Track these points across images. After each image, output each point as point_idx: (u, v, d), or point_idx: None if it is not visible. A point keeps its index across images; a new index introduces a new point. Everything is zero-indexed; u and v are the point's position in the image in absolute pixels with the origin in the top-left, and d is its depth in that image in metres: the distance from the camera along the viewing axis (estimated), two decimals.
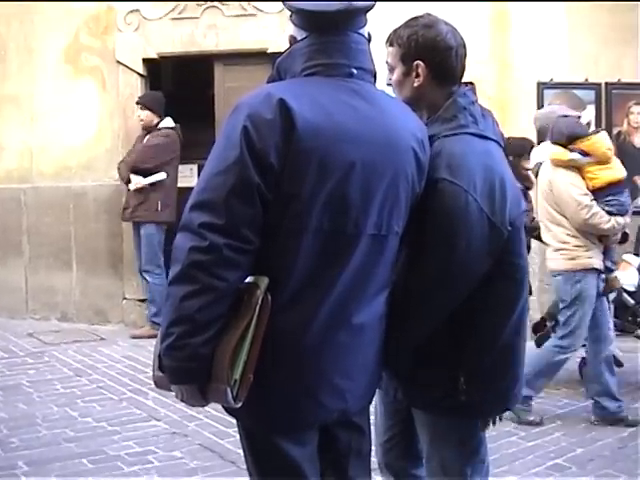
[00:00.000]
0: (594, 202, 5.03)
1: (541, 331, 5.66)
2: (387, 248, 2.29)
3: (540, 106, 7.29)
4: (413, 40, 2.53)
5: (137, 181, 7.46)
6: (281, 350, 2.18)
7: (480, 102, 2.67)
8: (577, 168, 5.10)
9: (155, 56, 8.00)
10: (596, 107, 7.33)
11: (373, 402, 2.60)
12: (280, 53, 2.39)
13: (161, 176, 7.53)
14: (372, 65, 2.34)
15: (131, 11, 7.88)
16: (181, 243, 2.09)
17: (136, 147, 7.63)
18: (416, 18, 2.60)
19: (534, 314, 7.23)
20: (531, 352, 5.15)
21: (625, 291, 6.04)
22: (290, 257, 2.15)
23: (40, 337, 7.56)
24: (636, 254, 6.52)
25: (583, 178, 5.10)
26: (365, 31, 2.33)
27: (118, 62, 7.97)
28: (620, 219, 5.12)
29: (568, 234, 5.13)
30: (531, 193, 5.67)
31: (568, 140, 5.10)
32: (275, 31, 7.34)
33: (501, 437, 4.83)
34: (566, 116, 5.42)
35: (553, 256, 5.28)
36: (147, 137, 7.60)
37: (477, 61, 6.87)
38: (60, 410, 5.39)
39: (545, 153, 5.30)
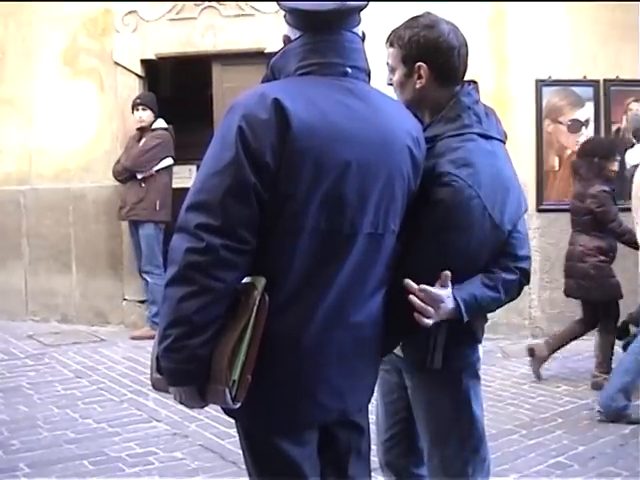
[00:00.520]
0: None
1: (627, 335, 5.69)
2: (384, 247, 2.29)
3: (539, 103, 7.30)
4: (414, 41, 2.52)
5: (142, 175, 7.50)
6: (279, 350, 2.18)
7: (482, 100, 2.67)
8: None
9: (153, 57, 7.99)
10: (595, 104, 7.33)
11: (373, 401, 2.60)
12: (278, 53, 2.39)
13: (168, 161, 7.60)
14: (366, 64, 2.33)
15: (129, 12, 7.86)
16: (177, 244, 2.09)
17: (132, 149, 7.61)
18: (416, 18, 2.57)
19: (534, 312, 7.28)
20: (628, 364, 5.17)
21: None
22: (287, 257, 2.14)
23: (40, 339, 7.56)
24: None
25: None
26: (359, 30, 2.32)
27: (116, 63, 7.95)
28: None
29: None
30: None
31: None
32: (273, 31, 7.31)
33: (502, 435, 4.84)
34: None
35: None
36: (143, 139, 7.60)
37: (475, 59, 6.84)
38: (61, 412, 5.39)
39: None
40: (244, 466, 2.42)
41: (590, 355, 6.75)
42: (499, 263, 2.49)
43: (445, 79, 2.56)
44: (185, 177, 8.02)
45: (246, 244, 2.09)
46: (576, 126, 7.33)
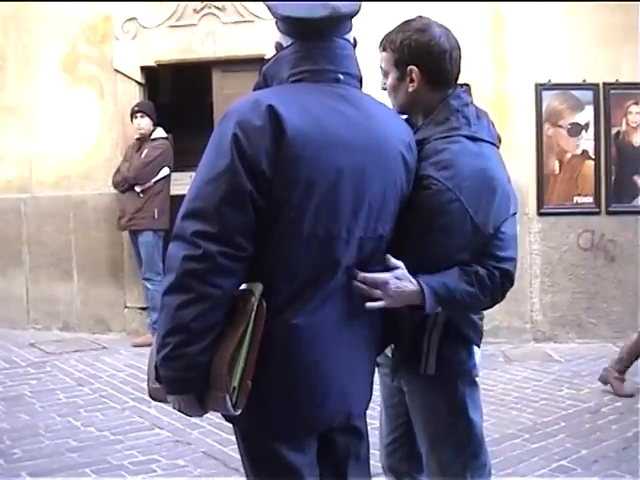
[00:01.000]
0: None
1: None
2: (374, 251, 2.31)
3: (538, 107, 7.30)
4: (406, 45, 2.53)
5: (142, 187, 7.49)
6: (278, 355, 2.18)
7: (477, 103, 2.66)
8: None
9: (153, 64, 7.99)
10: (594, 107, 7.33)
11: (375, 407, 2.60)
12: None
13: (166, 171, 7.60)
14: (358, 70, 2.35)
15: (128, 19, 7.87)
16: (174, 252, 2.09)
17: (132, 159, 7.61)
18: (409, 22, 2.59)
19: (536, 315, 7.28)
20: None
21: None
22: (284, 263, 2.16)
23: (42, 347, 7.55)
24: None
25: None
26: (350, 36, 2.34)
27: (116, 70, 7.96)
28: None
29: None
30: None
31: None
32: (273, 38, 7.32)
33: (505, 439, 4.83)
34: None
35: None
36: (144, 150, 7.59)
37: (475, 63, 6.88)
38: (63, 420, 5.38)
39: None
40: None
41: (592, 358, 6.78)
42: (479, 262, 2.48)
43: (437, 82, 2.57)
44: (185, 184, 7.97)
45: (243, 251, 2.09)
46: (576, 130, 7.33)
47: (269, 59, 2.37)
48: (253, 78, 2.46)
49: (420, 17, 2.61)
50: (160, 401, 2.28)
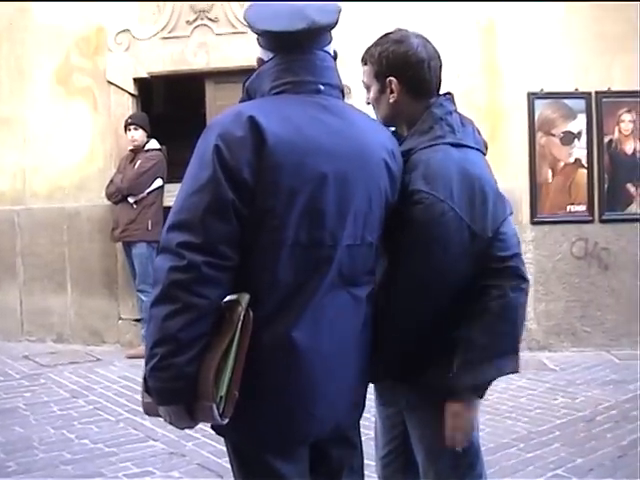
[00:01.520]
0: None
1: None
2: (365, 258, 2.32)
3: (531, 116, 7.32)
4: (384, 57, 2.57)
5: (135, 198, 7.49)
6: (267, 365, 2.19)
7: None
8: None
9: (146, 75, 8.00)
10: (587, 116, 7.34)
11: (371, 418, 2.59)
12: None
13: (159, 182, 7.60)
14: (339, 81, 2.38)
15: (121, 31, 7.88)
16: (161, 264, 2.11)
17: (125, 171, 7.60)
18: (387, 35, 2.63)
19: (530, 324, 7.28)
20: None
21: None
22: (270, 271, 2.17)
23: (36, 359, 7.53)
24: None
25: None
26: (331, 48, 2.37)
27: (109, 82, 7.96)
28: None
29: None
30: None
31: None
32: (257, 43, 7.33)
33: (500, 449, 4.83)
34: None
35: None
36: (138, 162, 7.59)
37: (466, 73, 6.90)
38: (57, 432, 5.36)
39: None
40: None
41: (587, 366, 6.79)
42: (483, 275, 2.47)
43: (417, 92, 2.58)
44: None
45: (228, 260, 2.11)
46: (568, 138, 7.35)
47: (251, 74, 2.40)
48: None
49: (399, 29, 2.65)
50: (154, 415, 2.28)
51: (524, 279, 2.53)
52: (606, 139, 7.37)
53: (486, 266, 2.47)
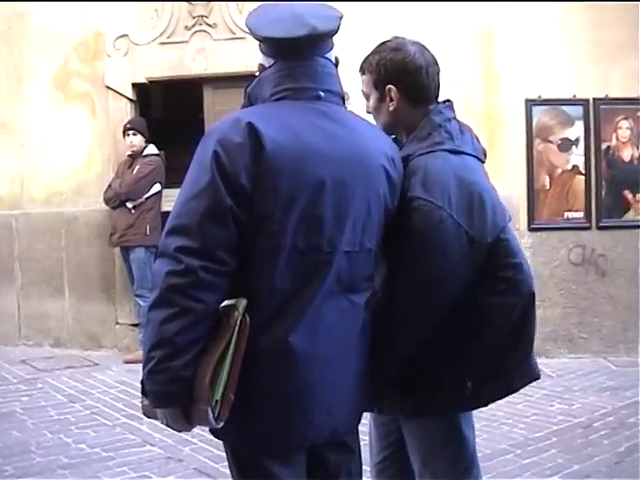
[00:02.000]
0: None
1: None
2: (365, 265, 2.33)
3: (529, 123, 7.34)
4: (382, 65, 2.58)
5: (134, 203, 7.50)
6: (265, 370, 2.20)
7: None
8: None
9: (144, 81, 8.01)
10: (584, 123, 7.36)
11: (366, 422, 2.59)
12: None
13: (158, 187, 7.61)
14: (340, 88, 2.39)
15: (120, 36, 7.89)
16: (159, 268, 2.13)
17: (124, 176, 7.61)
18: (384, 43, 2.65)
19: None
20: None
21: None
22: (268, 277, 2.18)
23: (33, 364, 7.53)
24: None
25: None
26: (332, 55, 2.39)
27: (108, 87, 7.97)
28: None
29: None
30: None
31: None
32: (257, 59, 7.34)
33: (496, 455, 4.83)
34: None
35: None
36: (136, 167, 7.60)
37: (464, 79, 6.92)
38: (54, 437, 5.36)
39: None
40: None
41: (583, 373, 6.79)
42: (482, 283, 2.48)
43: (416, 99, 2.60)
44: None
45: (225, 265, 2.13)
46: (566, 145, 7.36)
47: (253, 80, 2.41)
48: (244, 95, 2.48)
49: (395, 37, 2.66)
50: (152, 418, 2.30)
51: (524, 289, 2.54)
52: (604, 146, 7.39)
53: (490, 275, 2.48)
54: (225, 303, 2.17)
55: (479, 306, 2.48)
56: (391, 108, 2.60)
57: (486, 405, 2.65)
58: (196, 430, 2.32)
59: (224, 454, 2.43)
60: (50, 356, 7.85)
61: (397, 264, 2.43)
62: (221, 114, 7.26)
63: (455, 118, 2.62)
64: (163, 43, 7.86)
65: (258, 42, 2.38)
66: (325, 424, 2.30)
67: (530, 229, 7.34)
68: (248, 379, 2.16)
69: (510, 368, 2.60)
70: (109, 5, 7.88)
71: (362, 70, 2.67)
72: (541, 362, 7.02)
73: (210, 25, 7.76)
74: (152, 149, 7.74)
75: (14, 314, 8.27)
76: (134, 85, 8.02)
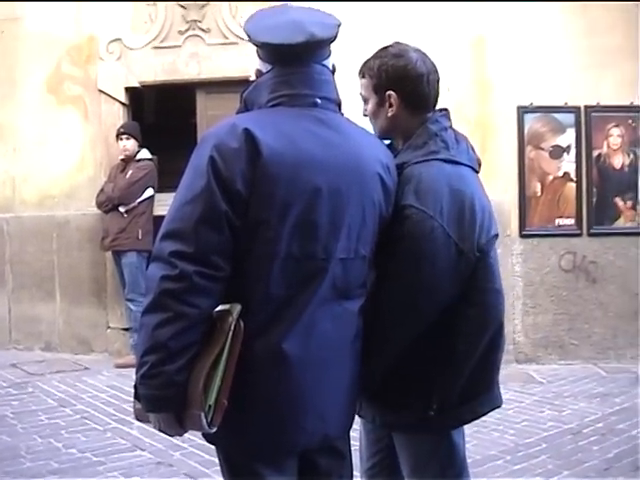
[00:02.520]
0: None
1: None
2: (359, 272, 2.33)
3: (521, 130, 7.36)
4: (384, 71, 2.57)
5: (126, 207, 7.49)
6: (259, 375, 2.20)
7: (459, 127, 2.69)
8: None
9: (137, 85, 8.01)
10: (576, 130, 7.38)
11: (357, 427, 2.60)
12: None
13: (150, 192, 7.61)
14: (337, 95, 2.40)
15: (113, 40, 7.89)
16: (153, 273, 2.13)
17: (116, 180, 7.60)
18: (385, 48, 2.64)
19: (518, 337, 7.30)
20: None
21: None
22: (263, 282, 2.18)
23: (24, 367, 7.51)
24: None
25: None
26: (329, 62, 2.39)
27: (100, 91, 7.97)
28: None
29: None
30: None
31: None
32: (254, 64, 7.34)
33: (487, 461, 4.84)
34: None
35: None
36: (129, 171, 7.59)
37: (457, 86, 6.93)
38: (44, 441, 5.35)
39: None
40: None
41: (574, 379, 6.80)
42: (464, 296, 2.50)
43: (415, 106, 2.60)
44: (169, 205, 7.98)
45: (219, 270, 2.13)
46: (558, 152, 7.39)
47: (249, 85, 2.42)
48: (237, 99, 2.49)
49: (397, 43, 2.66)
50: (145, 422, 2.30)
51: (498, 322, 2.56)
52: (595, 153, 7.41)
53: (464, 297, 2.48)
54: (219, 308, 2.17)
55: (448, 328, 2.48)
56: (390, 114, 2.60)
57: (453, 429, 2.65)
58: (187, 435, 2.32)
59: (214, 459, 2.43)
60: (41, 360, 7.83)
61: (386, 270, 2.44)
62: (214, 119, 7.28)
63: (451, 127, 2.62)
64: (156, 47, 7.86)
65: (256, 48, 2.39)
66: (317, 430, 2.31)
67: (521, 235, 7.36)
68: (241, 384, 2.16)
69: (475, 394, 2.60)
70: (103, 9, 7.88)
71: (362, 74, 2.66)
72: (532, 368, 7.12)
73: (203, 30, 7.77)
74: (145, 153, 7.73)
75: (5, 317, 8.24)
76: (127, 89, 8.02)
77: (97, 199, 7.63)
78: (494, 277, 2.55)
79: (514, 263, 7.32)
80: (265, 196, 2.15)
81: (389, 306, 2.43)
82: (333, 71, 2.41)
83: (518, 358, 7.33)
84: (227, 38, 7.70)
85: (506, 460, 4.90)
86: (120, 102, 8.00)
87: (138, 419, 2.32)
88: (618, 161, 7.44)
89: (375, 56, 2.63)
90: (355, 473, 2.63)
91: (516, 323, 7.36)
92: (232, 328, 2.14)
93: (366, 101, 2.67)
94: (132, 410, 2.33)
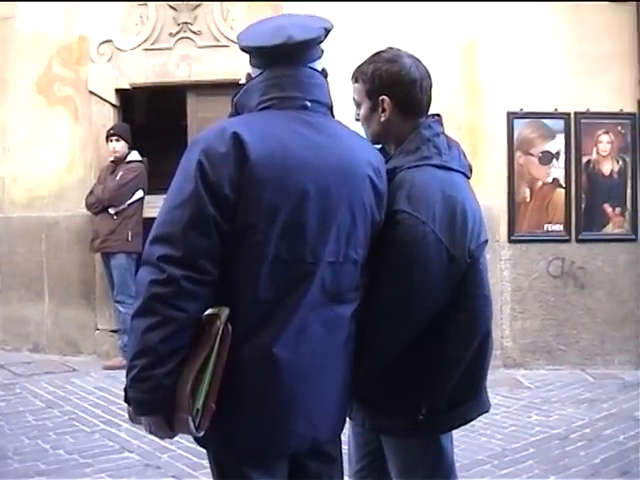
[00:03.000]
0: None
1: None
2: (350, 276, 2.33)
3: (510, 135, 7.38)
4: (377, 76, 2.58)
5: (116, 209, 7.47)
6: (248, 379, 2.21)
7: (449, 131, 2.70)
8: None
9: (128, 87, 8.00)
10: (565, 136, 7.41)
11: (346, 431, 2.60)
12: None
13: (140, 194, 7.60)
14: (328, 98, 2.40)
15: (104, 41, 7.88)
16: (142, 277, 2.14)
17: (107, 182, 7.58)
18: (379, 53, 2.64)
19: (506, 342, 7.32)
20: None
21: None
22: (250, 286, 2.19)
23: (11, 368, 7.48)
24: None
25: None
26: (319, 65, 2.40)
27: (91, 92, 7.96)
28: None
29: None
30: None
31: None
32: (248, 62, 7.36)
33: (474, 465, 4.85)
34: None
35: None
36: (119, 173, 7.58)
37: (447, 91, 6.95)
38: (32, 442, 5.33)
39: None
40: None
41: (561, 385, 6.82)
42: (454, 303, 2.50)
43: (408, 112, 2.60)
44: (159, 207, 7.93)
45: (207, 275, 2.13)
46: (547, 158, 7.41)
47: (240, 89, 2.42)
48: (228, 102, 2.50)
49: (390, 48, 2.66)
50: (138, 424, 2.30)
51: (486, 329, 2.58)
52: (584, 159, 7.44)
53: (454, 303, 2.49)
54: (208, 312, 2.18)
55: (438, 334, 2.49)
56: (382, 119, 2.60)
57: (442, 433, 2.65)
58: (175, 437, 2.32)
59: (202, 461, 2.45)
60: (29, 361, 7.80)
61: (378, 275, 2.44)
62: (204, 121, 7.29)
63: (444, 133, 2.63)
64: (147, 49, 7.86)
65: (248, 55, 2.41)
66: (307, 433, 2.31)
67: (510, 241, 7.38)
68: (230, 388, 2.17)
69: (464, 399, 2.61)
70: (94, 10, 7.88)
71: (355, 78, 2.66)
72: (519, 373, 7.13)
73: (194, 32, 7.77)
74: (135, 155, 7.72)
75: None
76: (117, 91, 8.02)
77: (87, 200, 7.62)
78: (483, 283, 2.57)
79: (503, 268, 7.34)
80: (253, 200, 2.15)
81: (380, 311, 2.44)
82: (325, 75, 2.41)
83: (506, 363, 7.34)
84: (218, 41, 7.71)
85: (493, 465, 4.91)
86: (110, 103, 8.00)
87: (132, 421, 2.33)
88: (607, 168, 7.47)
89: (369, 61, 2.63)
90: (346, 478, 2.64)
91: (504, 328, 7.38)
92: (220, 332, 2.15)
93: (359, 106, 2.68)
94: (120, 412, 2.34)
